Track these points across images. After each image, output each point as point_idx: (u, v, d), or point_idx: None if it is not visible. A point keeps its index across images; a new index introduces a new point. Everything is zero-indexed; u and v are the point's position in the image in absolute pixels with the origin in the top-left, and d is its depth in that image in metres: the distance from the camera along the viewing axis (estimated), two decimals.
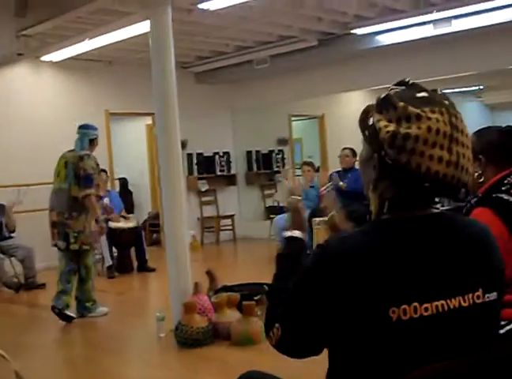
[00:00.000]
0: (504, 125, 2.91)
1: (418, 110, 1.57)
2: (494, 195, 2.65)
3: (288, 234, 2.07)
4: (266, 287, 5.90)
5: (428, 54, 9.81)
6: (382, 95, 1.66)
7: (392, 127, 1.58)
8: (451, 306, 1.57)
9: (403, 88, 1.69)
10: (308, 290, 1.63)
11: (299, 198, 2.18)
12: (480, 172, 2.75)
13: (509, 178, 2.68)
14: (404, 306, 1.53)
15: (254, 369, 2.16)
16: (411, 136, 1.55)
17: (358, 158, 1.95)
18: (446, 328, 1.57)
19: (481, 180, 2.75)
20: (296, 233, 2.06)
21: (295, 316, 1.68)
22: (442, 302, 1.56)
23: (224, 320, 5.44)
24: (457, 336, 1.59)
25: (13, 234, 8.83)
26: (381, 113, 1.63)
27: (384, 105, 1.64)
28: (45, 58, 9.54)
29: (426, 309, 1.54)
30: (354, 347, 1.60)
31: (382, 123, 1.60)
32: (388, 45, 9.42)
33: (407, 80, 1.70)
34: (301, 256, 2.01)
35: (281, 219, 9.64)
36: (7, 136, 9.81)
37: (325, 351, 1.70)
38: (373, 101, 1.70)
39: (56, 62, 9.90)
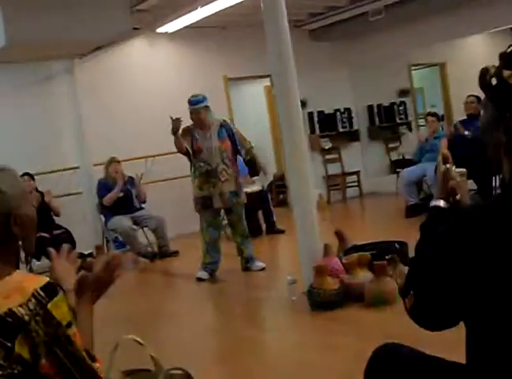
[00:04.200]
0: None
1: None
2: None
3: (433, 203, 1.98)
4: (397, 246, 5.79)
5: None
6: (509, 50, 1.51)
7: None
8: None
9: None
10: (443, 257, 1.54)
11: (450, 165, 2.06)
12: None
13: None
14: None
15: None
16: None
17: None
18: None
19: None
20: (441, 203, 1.96)
21: (429, 283, 1.61)
22: None
23: (356, 281, 5.36)
24: None
25: (143, 205, 9.08)
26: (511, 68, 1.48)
27: None
28: (160, 29, 9.64)
29: None
30: (491, 318, 1.50)
31: None
32: None
33: None
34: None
35: (408, 172, 9.44)
36: (129, 110, 10.05)
37: None
38: (497, 45, 1.55)
39: (171, 33, 9.99)
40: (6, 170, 1.86)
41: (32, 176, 8.68)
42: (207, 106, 7.06)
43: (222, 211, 7.30)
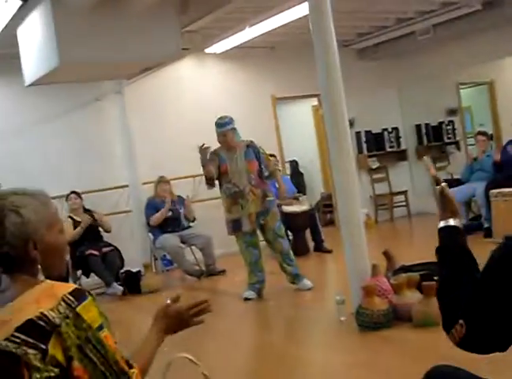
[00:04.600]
0: None
1: None
2: None
3: (442, 224, 1.95)
4: None
5: None
6: None
7: None
8: None
9: None
10: (500, 283, 1.52)
11: (444, 184, 2.07)
12: None
13: None
14: None
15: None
16: None
17: None
18: None
19: None
20: (451, 221, 1.94)
21: (485, 311, 1.58)
22: None
23: (405, 302, 5.32)
24: None
25: (191, 224, 9.14)
26: None
27: None
28: (209, 50, 9.74)
29: None
30: None
31: None
32: None
33: None
34: (462, 244, 1.88)
35: (456, 191, 9.34)
36: (177, 130, 10.16)
37: None
38: None
39: (220, 53, 10.08)
40: (34, 195, 1.89)
41: (79, 194, 8.84)
42: (234, 129, 7.13)
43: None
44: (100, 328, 1.70)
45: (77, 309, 1.67)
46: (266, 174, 7.28)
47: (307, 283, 7.15)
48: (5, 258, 1.80)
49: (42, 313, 1.63)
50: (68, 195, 8.79)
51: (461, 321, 1.64)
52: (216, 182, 7.16)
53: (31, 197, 1.86)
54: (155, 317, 2.17)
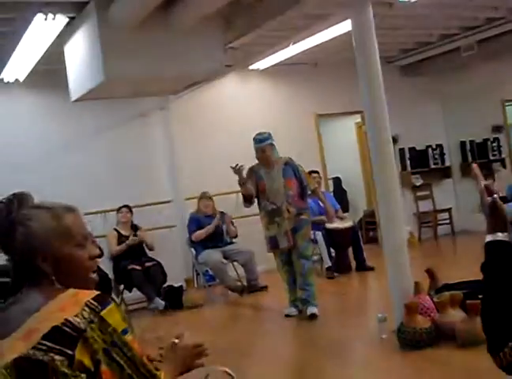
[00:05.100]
0: None
1: None
2: None
3: (490, 238, 1.81)
4: None
5: None
6: None
7: None
8: None
9: None
10: None
11: (496, 196, 1.87)
12: None
13: None
14: None
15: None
16: None
17: None
18: None
19: None
20: (499, 236, 1.78)
21: None
22: None
23: (448, 320, 5.25)
24: None
25: (234, 240, 9.16)
26: None
27: None
28: (252, 66, 9.79)
29: None
30: None
31: None
32: None
33: None
34: (511, 260, 1.76)
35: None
36: (220, 146, 10.20)
37: None
38: None
39: (263, 70, 10.13)
40: (50, 208, 1.88)
41: (130, 209, 8.95)
42: (272, 144, 7.05)
43: None
44: (125, 331, 1.71)
45: (102, 313, 1.69)
46: (308, 192, 7.25)
47: (313, 309, 6.87)
48: (18, 269, 1.83)
49: (66, 319, 1.65)
50: (120, 208, 8.90)
51: (511, 344, 1.58)
52: (255, 199, 7.12)
53: (45, 210, 1.87)
54: (164, 358, 2.15)
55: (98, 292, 1.76)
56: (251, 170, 7.09)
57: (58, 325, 1.64)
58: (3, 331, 1.72)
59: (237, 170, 6.77)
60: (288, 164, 7.11)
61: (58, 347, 1.63)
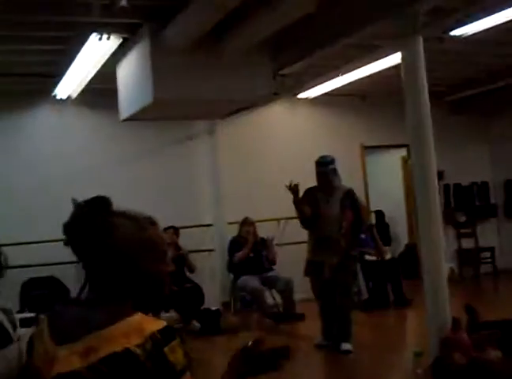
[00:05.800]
0: None
1: None
2: None
3: None
4: None
5: None
6: None
7: None
8: None
9: None
10: None
11: None
12: None
13: None
14: None
15: None
16: None
17: None
18: None
19: None
20: None
21: None
22: None
23: (485, 359, 5.19)
24: None
25: (273, 267, 9.15)
26: None
27: None
28: (301, 95, 9.85)
29: None
30: None
31: None
32: None
33: None
34: None
35: None
36: (265, 172, 10.24)
37: None
38: None
39: (311, 99, 10.18)
40: (134, 218, 1.84)
41: (177, 231, 8.96)
42: (335, 170, 6.83)
43: None
44: (182, 371, 1.64)
45: (164, 349, 1.62)
46: (363, 227, 7.13)
47: (347, 346, 6.64)
48: (91, 278, 1.79)
49: (128, 348, 1.59)
50: (166, 228, 8.80)
51: None
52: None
53: (130, 220, 1.81)
54: (232, 359, 2.03)
55: (165, 323, 1.68)
56: (310, 191, 6.90)
57: (118, 352, 1.59)
58: (57, 332, 1.70)
59: (292, 188, 6.58)
60: (348, 195, 6.87)
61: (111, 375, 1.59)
